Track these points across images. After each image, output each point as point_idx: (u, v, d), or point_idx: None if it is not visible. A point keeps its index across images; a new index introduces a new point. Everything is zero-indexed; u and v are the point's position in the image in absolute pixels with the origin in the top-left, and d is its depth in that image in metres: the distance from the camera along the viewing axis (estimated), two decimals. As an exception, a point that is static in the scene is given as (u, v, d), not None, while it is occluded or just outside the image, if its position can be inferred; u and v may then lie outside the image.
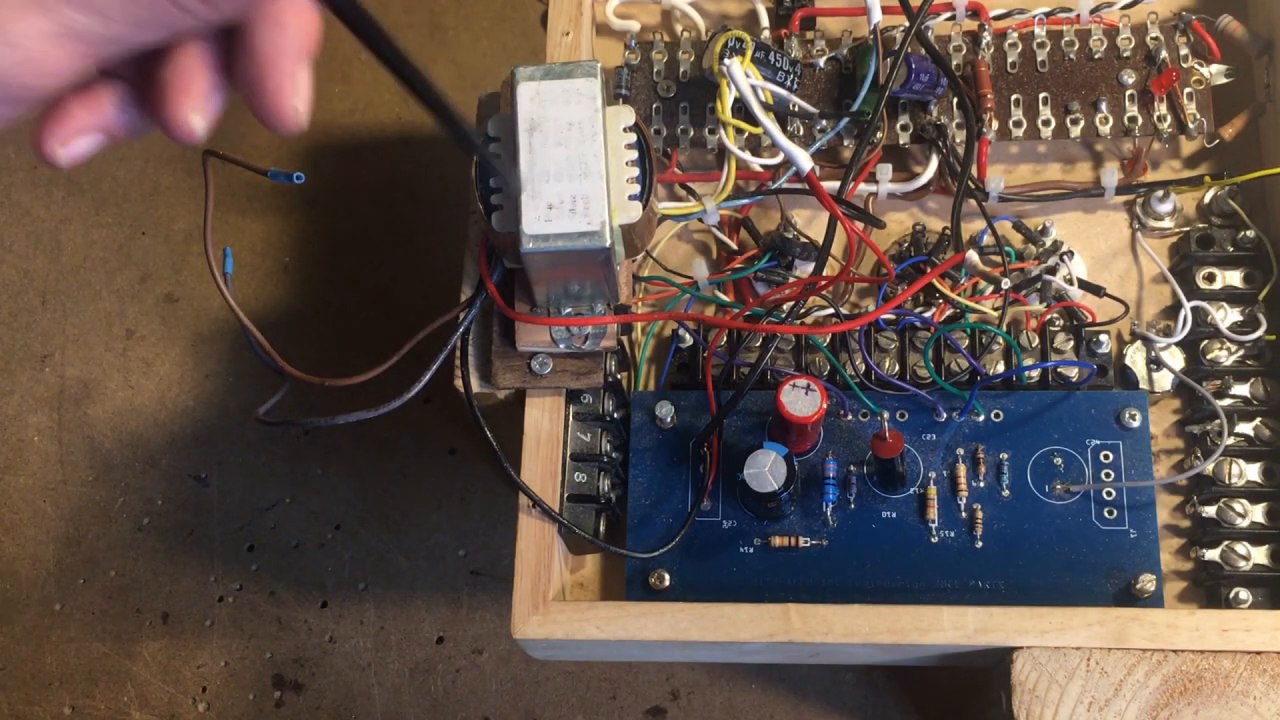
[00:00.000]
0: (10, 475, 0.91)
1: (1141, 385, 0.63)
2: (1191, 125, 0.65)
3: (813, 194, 0.60)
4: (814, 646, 0.57)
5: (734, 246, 0.67)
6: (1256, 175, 0.65)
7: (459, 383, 0.61)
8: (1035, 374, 0.62)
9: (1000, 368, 0.62)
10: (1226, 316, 0.63)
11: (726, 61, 0.61)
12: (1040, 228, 0.66)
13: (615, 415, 0.62)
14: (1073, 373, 0.62)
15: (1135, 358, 0.64)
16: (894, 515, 0.61)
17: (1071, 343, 0.63)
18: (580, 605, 0.58)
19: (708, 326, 0.64)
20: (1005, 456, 0.61)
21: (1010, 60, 0.67)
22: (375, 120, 0.96)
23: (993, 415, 0.62)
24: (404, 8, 0.99)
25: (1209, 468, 0.61)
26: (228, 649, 0.83)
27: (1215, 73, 0.67)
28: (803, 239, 0.66)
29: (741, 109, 0.62)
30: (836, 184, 0.64)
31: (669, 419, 0.63)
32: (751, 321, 0.63)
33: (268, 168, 0.61)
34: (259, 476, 0.87)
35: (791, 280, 0.64)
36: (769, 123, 0.60)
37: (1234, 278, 0.64)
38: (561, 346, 0.60)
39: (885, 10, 0.64)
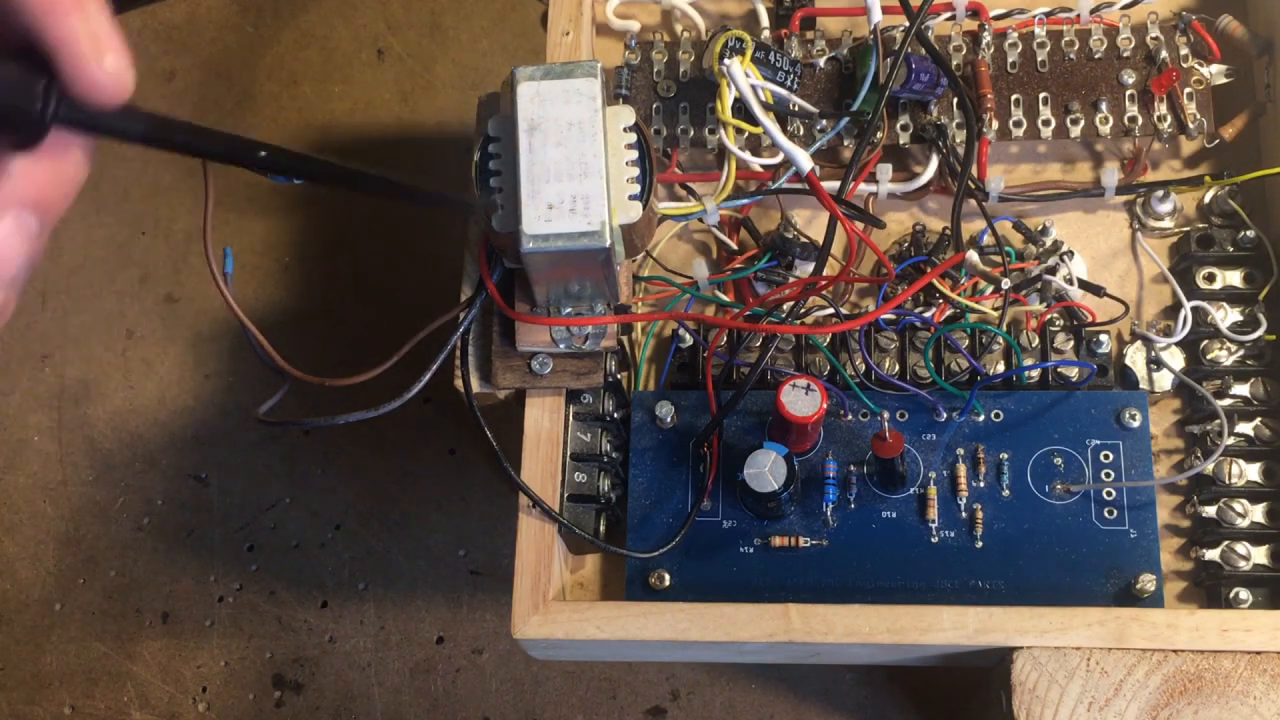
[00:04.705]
0: (10, 475, 0.91)
1: (1141, 385, 0.63)
2: (1191, 125, 0.65)
3: (813, 194, 0.60)
4: (814, 646, 0.57)
5: (734, 246, 0.67)
6: (1256, 175, 0.65)
7: (459, 383, 0.61)
8: (1035, 374, 0.62)
9: (1000, 368, 0.62)
10: (1226, 316, 0.63)
11: (726, 61, 0.61)
12: (1040, 228, 0.66)
13: (615, 415, 0.62)
14: (1073, 373, 0.62)
15: (1135, 358, 0.64)
16: (894, 515, 0.61)
17: (1071, 343, 0.63)
18: (580, 605, 0.58)
19: (708, 326, 0.64)
20: (1005, 456, 0.61)
21: (1010, 60, 0.67)
22: (375, 120, 0.96)
23: (993, 415, 0.62)
24: (404, 7, 0.99)
25: (1209, 468, 0.61)
26: (228, 649, 0.83)
27: (1215, 73, 0.67)
28: (803, 239, 0.66)
29: (741, 109, 0.62)
30: (836, 184, 0.64)
31: (669, 419, 0.63)
32: (751, 321, 0.63)
33: (267, 168, 0.61)
34: (259, 476, 0.87)
35: (791, 280, 0.64)
36: (769, 123, 0.60)
37: (1234, 278, 0.64)
38: (561, 346, 0.60)
39: (885, 10, 0.64)
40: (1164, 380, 0.63)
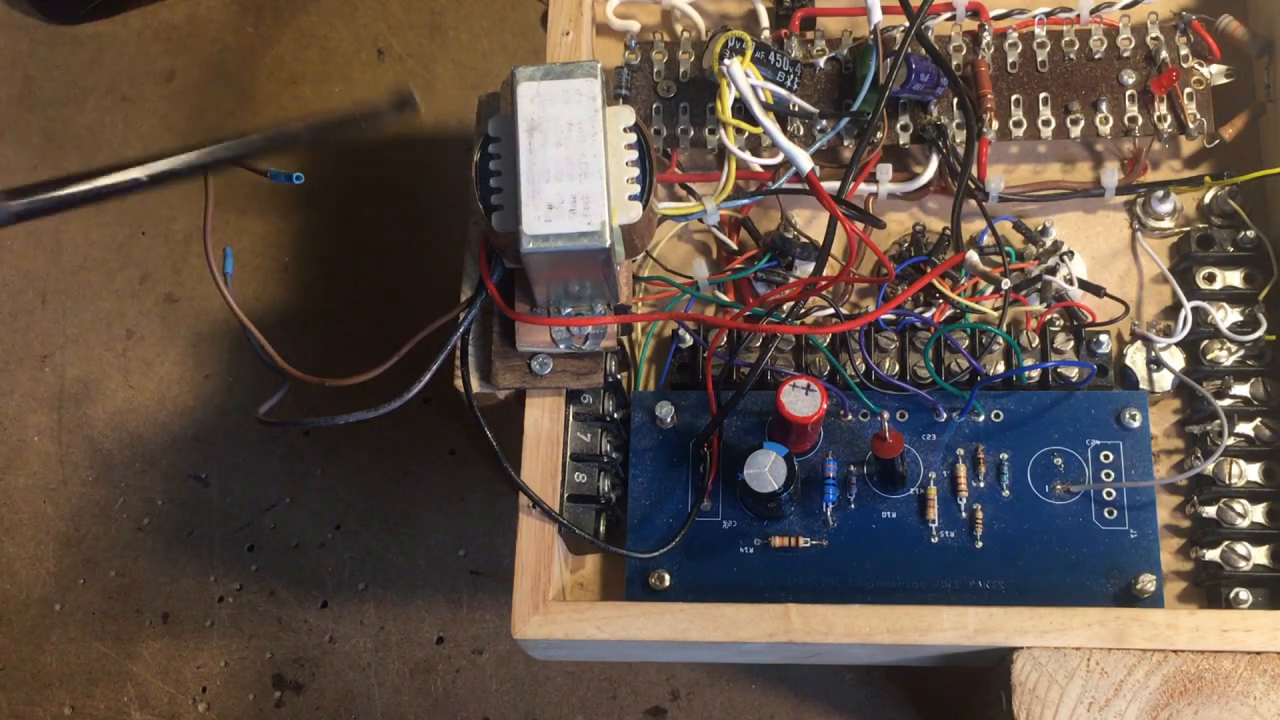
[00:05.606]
0: (10, 475, 0.91)
1: (1141, 385, 0.63)
2: (1191, 125, 0.65)
3: (813, 194, 0.60)
4: (814, 646, 0.57)
5: (734, 246, 0.67)
6: (1256, 175, 0.65)
7: (459, 383, 0.61)
8: (1035, 374, 0.62)
9: (1000, 368, 0.62)
10: (1226, 316, 0.63)
11: (726, 61, 0.61)
12: (1040, 228, 0.66)
13: (615, 415, 0.62)
14: (1073, 373, 0.62)
15: (1135, 358, 0.64)
16: (894, 515, 0.61)
17: (1071, 343, 0.63)
18: (580, 605, 0.58)
19: (708, 326, 0.64)
20: (1005, 456, 0.61)
21: (1010, 60, 0.67)
22: (375, 120, 0.96)
23: (993, 415, 0.62)
24: (404, 7, 0.99)
25: (1209, 468, 0.61)
26: (228, 649, 0.83)
27: (1215, 73, 0.67)
28: (803, 239, 0.66)
29: (741, 109, 0.62)
30: (836, 184, 0.64)
31: (669, 419, 0.63)
32: (751, 321, 0.63)
33: (268, 168, 0.61)
34: (259, 476, 0.87)
35: (791, 280, 0.64)
36: (769, 123, 0.60)
37: (1234, 278, 0.64)
38: (561, 346, 0.60)
39: (885, 10, 0.64)
40: (1164, 380, 0.63)
